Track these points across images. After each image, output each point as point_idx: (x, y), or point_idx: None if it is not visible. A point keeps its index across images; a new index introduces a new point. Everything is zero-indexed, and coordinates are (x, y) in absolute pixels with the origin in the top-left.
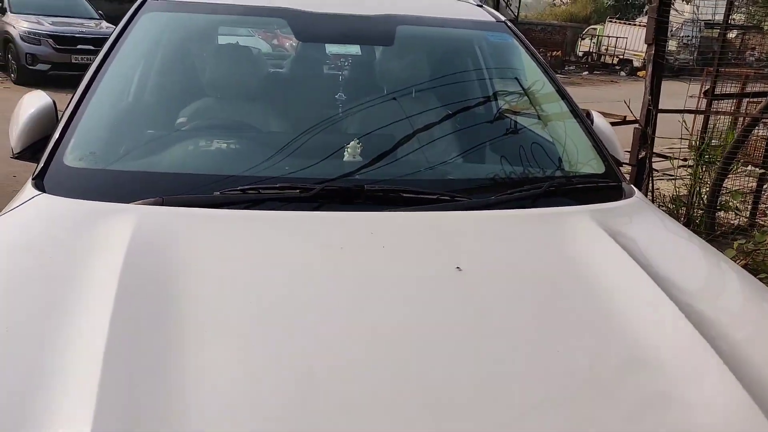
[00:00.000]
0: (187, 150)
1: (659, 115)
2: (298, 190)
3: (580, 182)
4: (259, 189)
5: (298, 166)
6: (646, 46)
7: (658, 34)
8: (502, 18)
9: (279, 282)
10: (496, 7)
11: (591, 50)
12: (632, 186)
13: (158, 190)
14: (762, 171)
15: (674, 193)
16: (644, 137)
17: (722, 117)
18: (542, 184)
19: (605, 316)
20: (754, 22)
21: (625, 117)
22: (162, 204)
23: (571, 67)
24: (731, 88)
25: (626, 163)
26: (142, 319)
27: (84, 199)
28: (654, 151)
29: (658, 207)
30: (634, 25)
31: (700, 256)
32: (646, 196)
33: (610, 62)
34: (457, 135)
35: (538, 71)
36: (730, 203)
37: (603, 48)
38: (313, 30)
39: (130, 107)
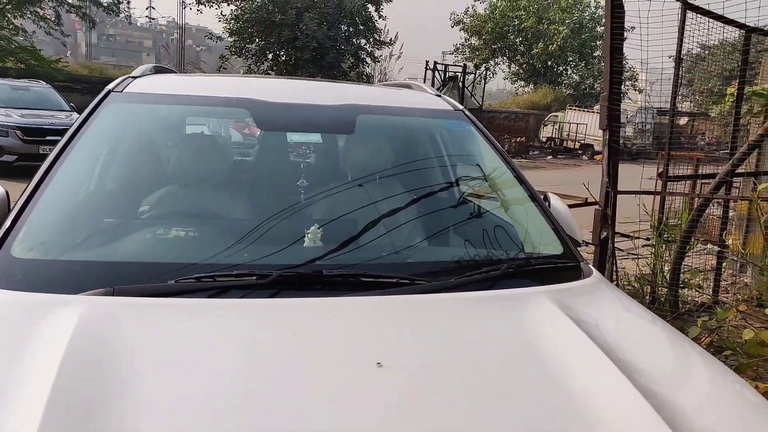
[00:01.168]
0: (142, 239)
1: (620, 196)
2: (254, 277)
3: (538, 263)
4: (215, 276)
5: (257, 253)
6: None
7: (611, 120)
8: (460, 107)
9: (226, 374)
10: (461, 97)
11: (553, 136)
12: (590, 266)
13: (108, 280)
14: (719, 249)
15: (638, 272)
16: (605, 218)
17: (679, 197)
18: (501, 266)
19: (566, 400)
20: (701, 110)
21: (586, 199)
22: (113, 294)
23: (536, 152)
24: (685, 170)
25: (589, 243)
26: (77, 413)
27: (29, 291)
28: (617, 230)
29: (623, 286)
30: (592, 112)
31: (660, 337)
32: (611, 275)
33: (572, 147)
34: (416, 219)
35: (494, 156)
36: (691, 281)
37: (564, 133)
38: (275, 120)
39: (85, 197)
